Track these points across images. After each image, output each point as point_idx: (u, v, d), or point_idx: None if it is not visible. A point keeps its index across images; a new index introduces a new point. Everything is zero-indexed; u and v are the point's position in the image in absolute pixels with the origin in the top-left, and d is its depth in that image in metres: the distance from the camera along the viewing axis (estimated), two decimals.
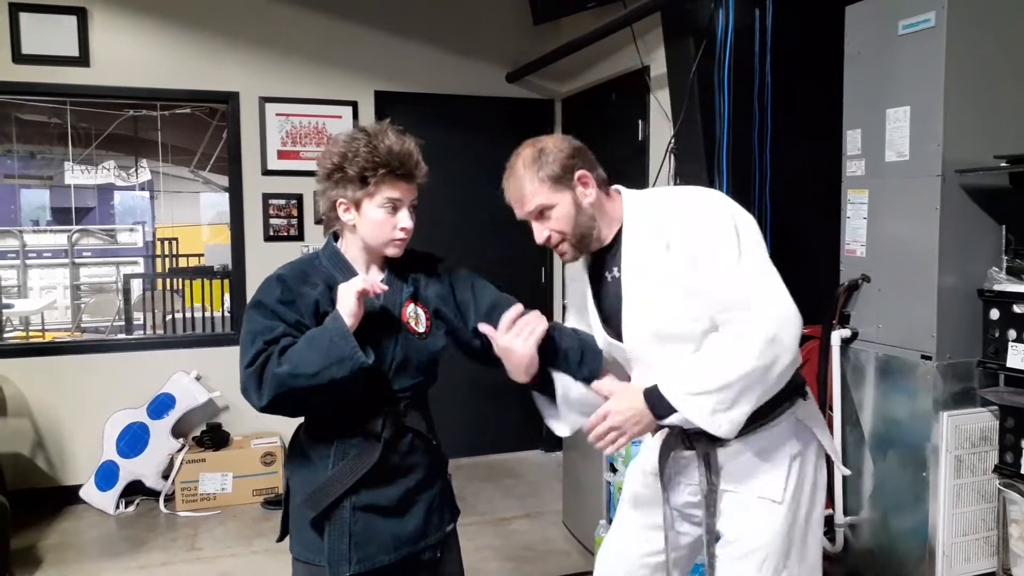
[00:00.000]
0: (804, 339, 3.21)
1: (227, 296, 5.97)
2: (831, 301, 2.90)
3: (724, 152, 2.95)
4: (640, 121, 3.79)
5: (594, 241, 1.71)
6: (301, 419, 1.77)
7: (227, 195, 4.40)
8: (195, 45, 4.16)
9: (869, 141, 2.77)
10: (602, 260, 1.76)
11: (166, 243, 8.05)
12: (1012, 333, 2.39)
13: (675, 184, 3.42)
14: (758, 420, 1.65)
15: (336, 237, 1.74)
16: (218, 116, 8.43)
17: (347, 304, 1.56)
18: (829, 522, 2.99)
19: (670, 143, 3.32)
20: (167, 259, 7.77)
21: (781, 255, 3.06)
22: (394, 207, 1.62)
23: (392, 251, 1.67)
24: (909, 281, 2.63)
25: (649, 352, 1.69)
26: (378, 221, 1.62)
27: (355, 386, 1.56)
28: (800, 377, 1.74)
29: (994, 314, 2.45)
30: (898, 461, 2.70)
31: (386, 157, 1.59)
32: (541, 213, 1.67)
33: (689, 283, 1.59)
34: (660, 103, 3.53)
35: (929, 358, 2.55)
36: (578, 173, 1.66)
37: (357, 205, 1.62)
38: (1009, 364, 2.39)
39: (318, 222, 4.37)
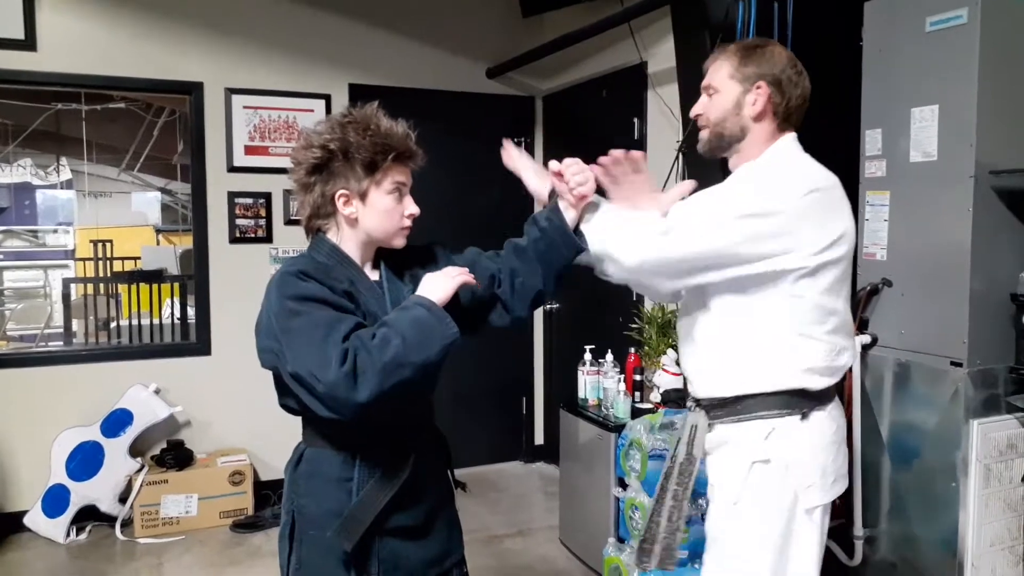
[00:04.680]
0: None
1: (175, 301, 5.59)
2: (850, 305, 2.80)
3: None
4: (636, 119, 3.64)
5: (727, 150, 1.76)
6: (300, 437, 1.59)
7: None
8: (156, 31, 3.84)
9: (891, 141, 2.69)
10: None
11: (99, 245, 7.52)
12: None
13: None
14: (733, 409, 1.68)
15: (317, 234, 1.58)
16: (152, 111, 7.97)
17: (445, 290, 1.48)
18: (846, 534, 2.91)
19: (680, 142, 3.18)
20: (101, 262, 7.25)
21: None
22: (400, 192, 1.55)
23: (400, 241, 1.60)
24: (937, 285, 2.56)
25: None
26: (388, 209, 1.53)
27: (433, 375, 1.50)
28: (798, 394, 1.65)
29: None
30: (923, 471, 2.62)
31: (394, 140, 1.51)
32: (708, 89, 1.75)
33: None
34: (663, 100, 3.40)
35: (959, 364, 2.48)
36: (761, 83, 1.70)
37: (363, 196, 1.51)
38: None
39: (289, 223, 4.10)
